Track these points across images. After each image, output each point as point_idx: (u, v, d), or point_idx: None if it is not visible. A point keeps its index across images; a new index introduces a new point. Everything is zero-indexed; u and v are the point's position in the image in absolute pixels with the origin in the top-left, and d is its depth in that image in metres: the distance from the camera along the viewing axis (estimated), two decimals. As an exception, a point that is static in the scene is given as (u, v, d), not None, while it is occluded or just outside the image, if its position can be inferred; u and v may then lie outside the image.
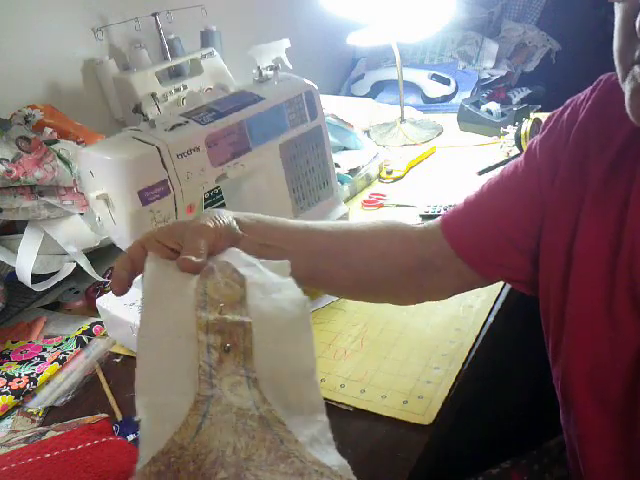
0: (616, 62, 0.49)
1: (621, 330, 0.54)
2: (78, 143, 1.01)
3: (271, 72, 0.90)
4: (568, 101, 0.64)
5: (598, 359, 0.56)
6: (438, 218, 0.70)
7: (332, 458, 0.42)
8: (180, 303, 0.47)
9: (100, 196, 0.73)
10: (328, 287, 0.71)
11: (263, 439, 0.42)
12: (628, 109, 0.48)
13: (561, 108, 0.64)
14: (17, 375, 0.82)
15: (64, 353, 0.86)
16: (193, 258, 0.50)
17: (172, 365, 0.44)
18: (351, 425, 0.67)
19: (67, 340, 0.89)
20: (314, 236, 0.66)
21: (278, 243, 0.62)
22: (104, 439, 0.57)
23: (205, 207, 1.19)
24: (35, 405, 0.79)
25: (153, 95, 1.17)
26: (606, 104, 0.58)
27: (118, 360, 0.86)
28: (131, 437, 0.69)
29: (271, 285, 0.50)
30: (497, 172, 0.69)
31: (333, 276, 0.66)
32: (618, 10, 0.47)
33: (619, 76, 0.49)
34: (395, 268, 0.68)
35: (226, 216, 0.57)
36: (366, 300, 0.75)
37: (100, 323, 0.91)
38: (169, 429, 0.40)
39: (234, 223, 0.57)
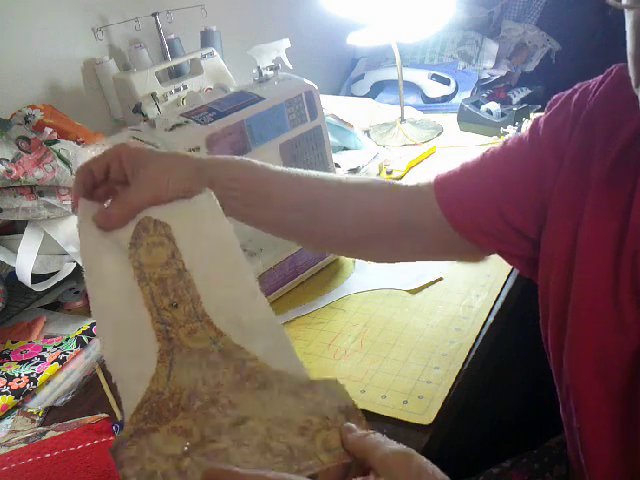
0: (630, 66, 0.48)
1: (626, 319, 0.54)
2: (78, 143, 1.01)
3: (271, 72, 0.90)
4: (577, 85, 0.63)
5: (604, 349, 0.56)
6: (430, 179, 0.69)
7: (289, 362, 0.49)
8: (121, 278, 0.52)
9: (100, 196, 0.73)
10: (306, 241, 0.71)
11: (227, 367, 0.48)
12: None
13: (569, 91, 0.63)
14: (17, 375, 0.82)
15: (64, 353, 0.86)
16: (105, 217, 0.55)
17: (133, 334, 0.50)
18: (351, 425, 0.67)
19: (67, 340, 0.89)
20: (306, 187, 0.66)
21: (271, 192, 0.63)
22: (104, 439, 0.57)
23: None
24: (35, 405, 0.79)
25: (153, 95, 1.18)
26: (615, 97, 0.58)
27: (118, 360, 0.86)
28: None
29: (194, 216, 0.55)
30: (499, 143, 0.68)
31: (314, 231, 0.67)
32: (629, 16, 0.46)
33: (633, 80, 0.48)
34: (379, 227, 0.67)
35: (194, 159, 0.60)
36: (341, 254, 0.77)
37: (100, 323, 0.91)
38: (144, 384, 0.47)
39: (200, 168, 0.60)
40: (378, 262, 0.76)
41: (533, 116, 1.26)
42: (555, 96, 0.65)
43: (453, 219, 0.65)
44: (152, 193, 0.56)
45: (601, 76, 0.61)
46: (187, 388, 0.47)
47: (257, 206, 0.63)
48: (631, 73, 0.48)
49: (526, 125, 1.21)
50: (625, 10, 0.46)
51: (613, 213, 0.55)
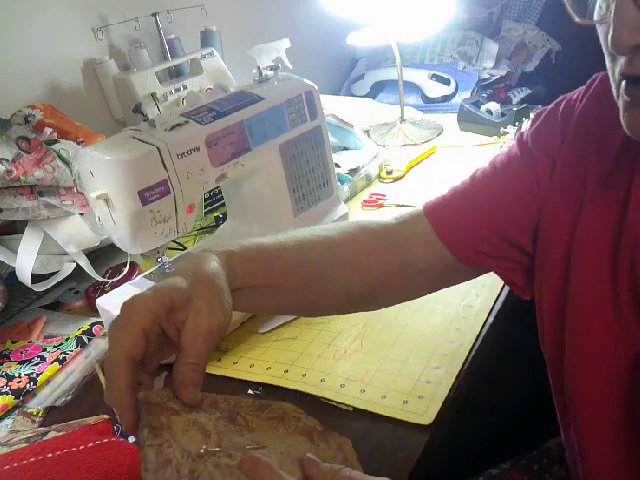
0: (610, 78, 0.49)
1: (627, 327, 0.54)
2: (78, 143, 1.01)
3: (271, 72, 0.90)
4: (559, 98, 0.64)
5: (604, 358, 0.55)
6: (415, 210, 0.67)
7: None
8: None
9: (100, 196, 0.73)
10: (309, 312, 0.70)
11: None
12: (622, 123, 0.48)
13: (552, 105, 0.64)
14: (17, 375, 0.82)
15: (64, 353, 0.86)
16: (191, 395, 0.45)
17: None
18: (351, 425, 0.67)
19: (67, 340, 0.89)
20: (305, 265, 0.61)
21: (275, 282, 0.58)
22: (106, 440, 0.57)
23: (205, 207, 1.19)
24: (35, 405, 0.79)
25: (153, 95, 1.18)
26: (602, 104, 0.58)
27: (118, 360, 0.86)
28: (132, 438, 0.69)
29: None
30: (485, 163, 0.67)
31: (317, 301, 0.64)
32: (600, 32, 0.47)
33: (613, 91, 0.49)
34: (381, 276, 0.65)
35: (214, 275, 0.50)
36: (347, 313, 0.74)
37: (100, 323, 0.91)
38: None
39: (224, 284, 0.51)
40: (385, 307, 0.71)
41: (533, 116, 1.26)
42: (537, 111, 0.66)
43: (451, 244, 0.64)
44: (216, 325, 0.48)
45: (584, 86, 0.62)
46: (209, 396, 0.47)
47: (263, 298, 0.59)
48: (612, 86, 0.49)
49: (525, 126, 1.21)
50: (597, 25, 0.47)
51: (608, 218, 0.55)
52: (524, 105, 1.40)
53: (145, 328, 0.45)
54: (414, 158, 1.32)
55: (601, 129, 0.57)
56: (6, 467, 0.52)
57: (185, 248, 1.06)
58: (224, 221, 1.01)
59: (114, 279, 0.97)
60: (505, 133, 1.32)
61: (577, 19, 0.45)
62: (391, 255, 0.65)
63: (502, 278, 0.68)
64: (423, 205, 0.67)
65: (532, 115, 0.66)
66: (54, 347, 0.88)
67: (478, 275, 0.69)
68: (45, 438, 0.58)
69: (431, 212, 0.66)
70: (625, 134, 0.54)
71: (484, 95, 1.51)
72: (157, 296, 0.47)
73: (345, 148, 1.38)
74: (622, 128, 0.55)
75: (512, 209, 0.62)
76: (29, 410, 0.78)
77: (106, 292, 0.95)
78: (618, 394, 0.55)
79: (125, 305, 0.47)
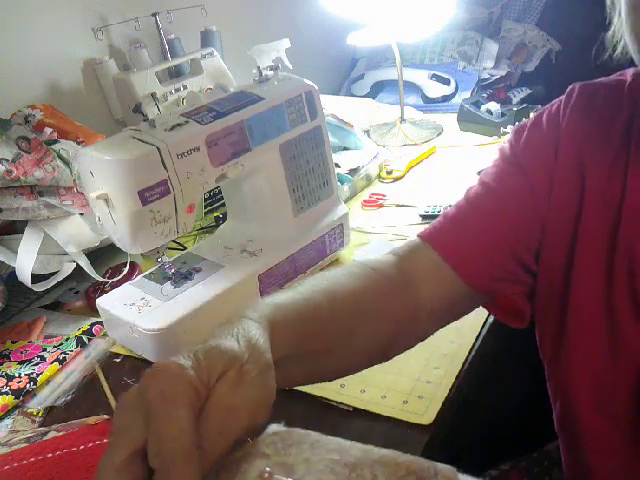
0: (633, 46, 0.49)
1: (624, 338, 0.54)
2: (78, 143, 1.01)
3: (271, 72, 0.90)
4: (537, 112, 0.63)
5: (601, 372, 0.55)
6: (411, 242, 0.62)
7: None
8: None
9: (100, 196, 0.73)
10: (328, 377, 0.56)
11: None
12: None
13: (532, 119, 0.62)
14: (17, 375, 0.82)
15: (64, 353, 0.86)
16: None
17: None
18: (351, 425, 0.67)
19: (67, 340, 0.89)
20: (335, 321, 0.51)
21: (310, 348, 0.48)
22: (105, 440, 0.57)
23: (205, 207, 1.19)
24: (35, 405, 0.79)
25: (153, 95, 1.18)
26: (591, 117, 0.58)
27: (118, 360, 0.86)
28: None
29: None
30: (474, 183, 0.64)
31: (339, 366, 0.55)
32: (625, 2, 0.47)
33: (637, 59, 0.48)
34: (395, 327, 0.58)
35: (266, 350, 0.39)
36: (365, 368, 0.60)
37: (100, 323, 0.91)
38: None
39: (269, 359, 0.39)
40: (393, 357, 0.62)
41: (512, 132, 1.26)
42: (515, 128, 0.64)
43: (465, 274, 0.60)
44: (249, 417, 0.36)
45: (562, 97, 0.61)
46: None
47: (290, 368, 0.47)
48: (634, 54, 0.49)
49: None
50: None
51: (604, 230, 0.55)
52: (524, 105, 1.40)
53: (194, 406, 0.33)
54: (414, 158, 1.32)
55: (593, 141, 0.57)
56: (6, 467, 0.52)
57: (185, 248, 1.06)
58: (224, 221, 1.01)
59: (114, 279, 0.97)
60: (505, 133, 1.32)
61: None
62: (405, 299, 0.59)
63: (498, 310, 0.66)
64: (419, 235, 0.63)
65: (531, 115, 0.65)
66: (54, 347, 0.88)
67: (483, 302, 0.66)
68: (45, 438, 0.58)
69: (435, 241, 0.61)
70: (617, 144, 0.54)
71: (484, 95, 1.51)
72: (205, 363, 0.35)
73: (345, 148, 1.38)
74: (615, 127, 0.55)
75: (518, 229, 0.59)
76: (29, 410, 0.78)
77: (106, 292, 0.95)
78: (620, 408, 0.55)
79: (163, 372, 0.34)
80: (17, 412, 0.78)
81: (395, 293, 0.58)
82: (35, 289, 0.94)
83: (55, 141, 0.98)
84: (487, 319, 0.81)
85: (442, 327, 0.64)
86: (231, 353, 0.36)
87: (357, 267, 0.59)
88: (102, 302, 0.86)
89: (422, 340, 0.63)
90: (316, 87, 0.91)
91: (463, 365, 0.73)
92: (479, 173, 1.21)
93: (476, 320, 0.80)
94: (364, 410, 0.69)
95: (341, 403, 0.70)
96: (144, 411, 0.32)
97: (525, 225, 0.59)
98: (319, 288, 0.52)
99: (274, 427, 0.36)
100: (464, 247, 0.60)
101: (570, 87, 0.61)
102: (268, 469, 0.33)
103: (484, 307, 0.67)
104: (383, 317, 0.56)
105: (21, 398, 0.79)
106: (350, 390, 0.72)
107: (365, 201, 1.19)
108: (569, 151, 0.58)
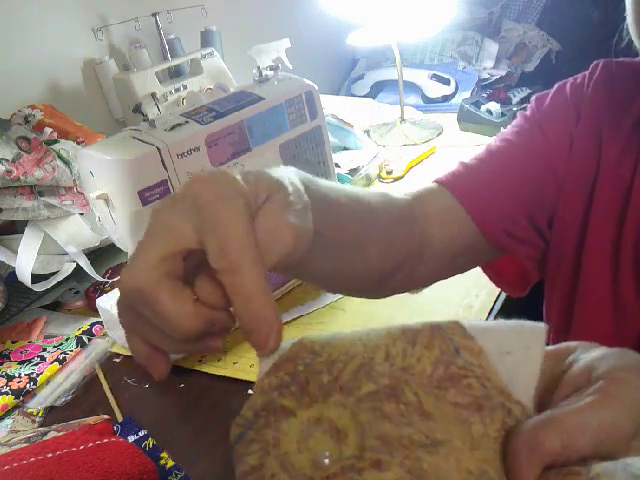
0: (636, 36, 0.49)
1: (626, 312, 0.55)
2: (78, 143, 1.01)
3: (271, 72, 0.90)
4: (560, 83, 0.63)
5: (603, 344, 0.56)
6: (428, 186, 0.60)
7: (528, 387, 0.28)
8: None
9: (100, 196, 0.73)
10: (342, 286, 0.54)
11: (429, 346, 0.29)
12: None
13: (554, 89, 0.63)
14: (17, 375, 0.82)
15: (64, 353, 0.86)
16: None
17: None
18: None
19: (67, 340, 0.89)
20: (354, 221, 0.48)
21: (330, 234, 0.44)
22: (105, 440, 0.57)
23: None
24: (35, 405, 0.79)
25: (153, 95, 1.18)
26: (612, 87, 0.58)
27: (118, 360, 0.86)
28: (132, 438, 0.69)
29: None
30: (497, 139, 0.63)
31: (353, 271, 0.51)
32: None
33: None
34: (402, 254, 0.55)
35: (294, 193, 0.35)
36: (359, 296, 0.59)
37: (100, 323, 0.91)
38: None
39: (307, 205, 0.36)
40: (395, 294, 0.59)
41: (533, 100, 1.26)
42: (537, 94, 0.63)
43: (480, 219, 0.58)
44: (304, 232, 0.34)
45: (586, 72, 0.61)
46: (359, 357, 0.29)
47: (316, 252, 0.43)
48: (637, 43, 0.49)
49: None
50: None
51: (615, 199, 0.56)
52: (524, 105, 1.39)
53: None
54: (414, 158, 1.32)
55: (613, 111, 0.57)
56: (6, 467, 0.52)
57: (185, 248, 1.06)
58: (224, 221, 1.01)
59: (114, 279, 0.97)
60: (505, 133, 1.32)
61: None
62: (413, 230, 0.57)
63: (499, 277, 0.66)
64: (436, 180, 0.61)
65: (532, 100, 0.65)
66: (54, 347, 0.88)
67: (488, 261, 0.65)
68: (45, 438, 0.58)
69: (452, 184, 0.59)
70: (630, 128, 0.55)
71: (484, 95, 1.51)
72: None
73: (345, 148, 1.38)
74: (634, 107, 0.55)
75: (535, 187, 0.59)
76: (29, 410, 0.78)
77: (106, 292, 0.95)
78: None
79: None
80: (17, 412, 0.78)
81: (405, 220, 0.56)
82: (35, 289, 0.94)
83: (55, 141, 0.98)
84: (487, 319, 0.81)
85: (442, 279, 0.62)
86: (279, 181, 0.34)
87: (376, 192, 0.56)
88: (102, 302, 0.86)
89: (418, 287, 0.61)
90: (316, 87, 0.91)
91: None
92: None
93: (480, 312, 0.80)
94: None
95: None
96: (194, 212, 0.30)
97: (541, 185, 0.58)
98: (342, 189, 0.49)
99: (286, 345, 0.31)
100: (481, 193, 0.59)
101: (594, 63, 0.60)
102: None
103: (485, 272, 0.65)
104: (391, 238, 0.53)
105: (21, 398, 0.79)
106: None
107: (365, 201, 1.19)
108: (590, 121, 0.58)
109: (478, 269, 0.89)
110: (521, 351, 0.28)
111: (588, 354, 0.29)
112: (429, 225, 0.58)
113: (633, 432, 0.25)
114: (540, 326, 0.28)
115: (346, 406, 0.27)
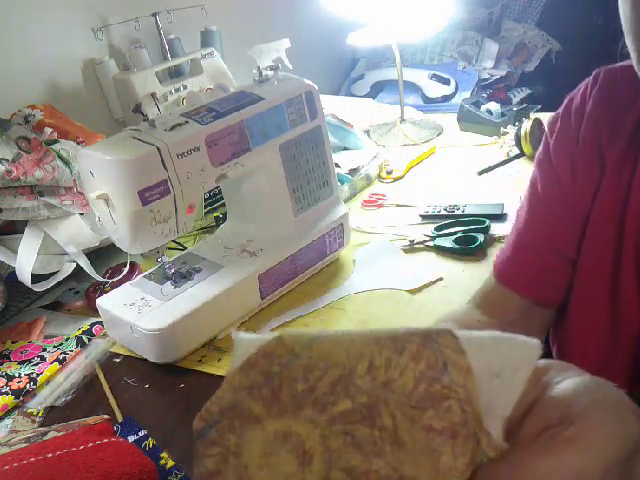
0: (631, 45, 0.48)
1: (625, 313, 0.55)
2: (78, 143, 1.01)
3: (271, 72, 0.90)
4: (566, 100, 0.64)
5: (600, 346, 0.57)
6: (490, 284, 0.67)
7: (505, 409, 0.26)
8: None
9: (100, 196, 0.73)
10: None
11: (416, 357, 0.27)
12: None
13: (562, 110, 0.64)
14: (17, 375, 0.82)
15: (64, 353, 0.86)
16: None
17: None
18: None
19: (67, 340, 0.89)
20: None
21: None
22: (106, 440, 0.57)
23: (205, 207, 1.19)
24: (35, 405, 0.79)
25: (153, 95, 1.18)
26: (612, 95, 0.59)
27: (118, 360, 0.86)
28: (132, 438, 0.69)
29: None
30: (522, 200, 0.67)
31: None
32: (625, 2, 0.47)
33: (634, 59, 0.48)
34: None
35: None
36: None
37: (100, 323, 0.91)
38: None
39: None
40: None
41: (533, 116, 1.26)
42: (550, 118, 0.64)
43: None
44: None
45: (588, 80, 0.62)
46: (339, 366, 0.27)
47: None
48: (632, 52, 0.49)
49: (525, 125, 1.21)
50: None
51: (616, 202, 0.57)
52: (524, 105, 1.39)
53: None
54: (414, 158, 1.32)
55: (613, 118, 0.58)
56: (6, 467, 0.52)
57: (185, 248, 1.06)
58: (224, 221, 1.01)
59: (114, 279, 0.97)
60: (505, 133, 1.32)
61: None
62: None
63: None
64: (495, 276, 0.67)
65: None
66: (54, 347, 0.88)
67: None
68: (45, 438, 0.58)
69: (507, 279, 0.65)
70: (635, 118, 0.55)
71: (484, 95, 1.51)
72: None
73: (345, 148, 1.38)
74: (632, 112, 0.56)
75: (561, 231, 0.62)
76: (29, 410, 0.78)
77: (106, 292, 0.95)
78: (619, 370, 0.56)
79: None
80: (17, 412, 0.78)
81: None
82: (35, 289, 0.94)
83: (55, 141, 0.98)
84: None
85: None
86: None
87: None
88: (102, 302, 0.86)
89: None
90: (316, 87, 0.91)
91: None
92: (479, 173, 1.22)
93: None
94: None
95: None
96: None
97: (564, 223, 0.61)
98: None
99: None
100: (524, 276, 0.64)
101: (596, 71, 0.61)
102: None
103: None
104: None
105: (21, 398, 0.79)
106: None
107: (365, 201, 1.19)
108: (589, 137, 0.59)
109: (478, 270, 0.90)
110: (509, 373, 0.27)
111: (564, 380, 0.27)
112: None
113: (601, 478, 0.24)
114: (534, 344, 0.27)
115: (317, 424, 0.26)
